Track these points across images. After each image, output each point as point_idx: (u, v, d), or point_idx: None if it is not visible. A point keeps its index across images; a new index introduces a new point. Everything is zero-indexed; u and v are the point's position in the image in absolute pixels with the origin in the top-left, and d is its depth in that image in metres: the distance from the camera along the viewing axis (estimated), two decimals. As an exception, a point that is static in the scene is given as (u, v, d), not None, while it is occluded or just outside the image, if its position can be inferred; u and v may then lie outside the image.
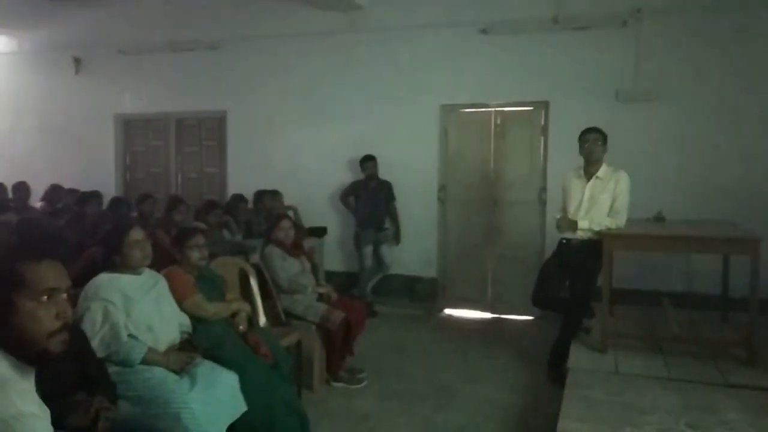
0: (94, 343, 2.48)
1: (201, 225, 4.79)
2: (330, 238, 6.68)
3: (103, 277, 2.66)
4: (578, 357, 3.85)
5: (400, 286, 6.46)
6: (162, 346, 2.71)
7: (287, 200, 6.53)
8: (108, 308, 2.55)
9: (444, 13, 6.17)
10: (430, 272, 6.44)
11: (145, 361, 2.60)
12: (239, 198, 6.04)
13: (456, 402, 3.95)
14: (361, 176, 6.32)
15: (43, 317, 1.29)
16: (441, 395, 4.06)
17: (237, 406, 2.71)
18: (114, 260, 2.73)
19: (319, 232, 6.51)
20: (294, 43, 6.76)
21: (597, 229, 3.98)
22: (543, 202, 6.00)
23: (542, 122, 6.04)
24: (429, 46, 6.29)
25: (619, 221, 3.99)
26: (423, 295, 6.40)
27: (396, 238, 6.35)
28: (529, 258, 5.93)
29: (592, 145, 4.07)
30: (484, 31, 6.05)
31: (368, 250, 6.26)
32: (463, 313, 6.25)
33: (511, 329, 5.78)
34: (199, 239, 3.28)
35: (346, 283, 6.37)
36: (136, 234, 2.75)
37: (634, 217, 4.23)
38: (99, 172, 7.55)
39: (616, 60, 5.70)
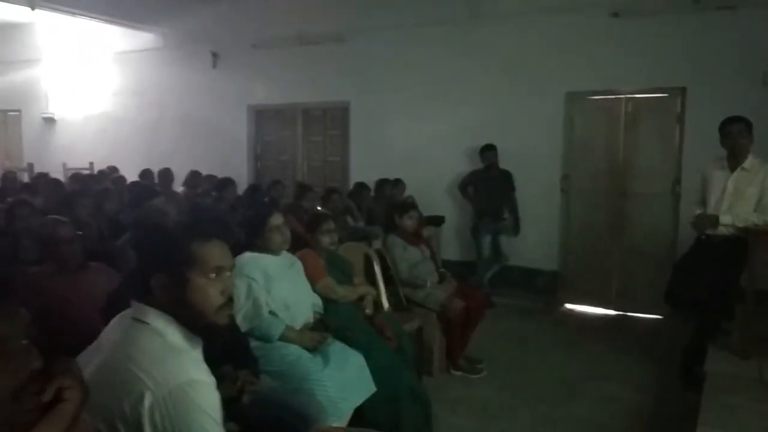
0: (238, 318, 2.67)
1: (325, 211, 4.99)
2: (447, 227, 6.71)
3: (247, 256, 2.85)
4: (717, 361, 3.60)
5: (518, 277, 6.35)
6: (297, 325, 2.87)
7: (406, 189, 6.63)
8: (251, 285, 2.74)
9: (572, -3, 5.96)
10: (551, 265, 6.28)
11: (282, 338, 2.77)
12: (362, 186, 6.22)
13: (578, 398, 3.85)
14: (480, 165, 6.28)
15: (211, 293, 1.42)
16: (562, 390, 3.97)
17: (366, 387, 2.82)
18: (255, 243, 2.92)
19: (437, 221, 6.54)
20: (415, 32, 6.81)
21: (741, 225, 3.68)
22: (677, 195, 5.65)
23: (678, 110, 5.67)
24: (554, 31, 6.09)
25: (767, 217, 3.67)
26: (542, 287, 6.25)
27: (515, 229, 6.24)
28: (660, 254, 5.64)
29: (737, 137, 3.75)
30: (615, 14, 5.76)
31: (486, 240, 6.22)
32: (584, 308, 6.04)
33: (637, 327, 5.51)
34: (330, 224, 3.43)
35: (462, 272, 6.35)
36: (277, 219, 2.93)
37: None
38: (233, 160, 8.07)
39: (765, 41, 5.22)
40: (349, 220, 5.67)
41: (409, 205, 4.52)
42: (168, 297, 1.39)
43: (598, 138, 6.04)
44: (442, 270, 4.53)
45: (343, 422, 2.70)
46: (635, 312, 5.79)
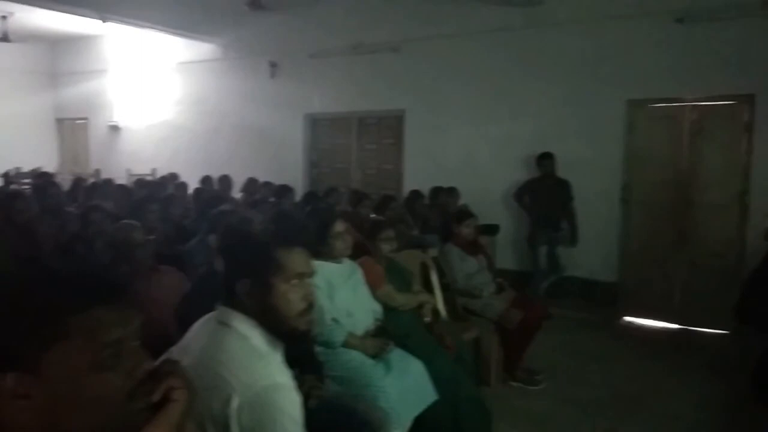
0: (302, 324, 2.72)
1: (382, 218, 5.01)
2: (502, 237, 6.63)
3: (310, 264, 2.89)
4: (791, 379, 3.44)
5: (575, 289, 6.21)
6: (359, 332, 2.90)
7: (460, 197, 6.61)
8: (315, 293, 2.77)
9: (634, 3, 5.83)
10: (610, 276, 6.13)
11: (344, 345, 2.80)
12: (417, 194, 6.23)
13: (642, 415, 3.74)
14: (536, 174, 6.20)
15: (293, 299, 1.47)
16: (625, 406, 3.87)
17: (427, 396, 2.82)
18: (318, 250, 2.96)
19: (492, 230, 6.47)
20: (471, 41, 6.81)
21: (819, 237, 3.52)
22: (744, 206, 5.44)
23: (746, 118, 5.46)
24: (616, 37, 5.98)
25: None
26: (600, 299, 6.10)
27: (572, 239, 6.12)
28: (726, 266, 5.45)
29: None
30: (679, 20, 5.60)
31: (542, 250, 6.14)
32: (645, 321, 5.86)
33: (701, 342, 5.33)
34: (391, 232, 3.46)
35: (518, 282, 6.27)
36: (339, 226, 2.97)
37: None
38: (289, 167, 8.21)
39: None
40: (403, 228, 5.67)
41: (468, 213, 4.50)
42: (252, 302, 1.44)
43: (660, 147, 5.88)
44: (499, 280, 4.49)
45: (404, 430, 2.70)
46: (699, 326, 5.59)
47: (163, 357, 1.53)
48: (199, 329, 1.52)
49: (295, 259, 1.48)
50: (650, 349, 5.08)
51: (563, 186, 6.06)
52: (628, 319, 5.93)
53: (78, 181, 7.12)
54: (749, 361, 3.98)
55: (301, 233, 1.56)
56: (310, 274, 1.53)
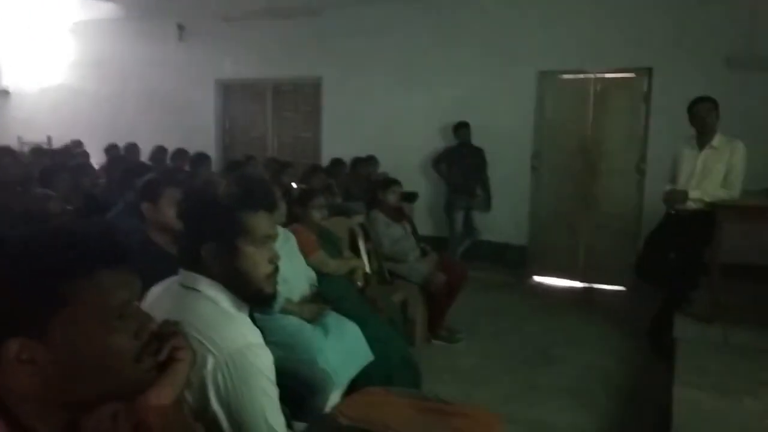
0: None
1: (307, 187, 4.99)
2: (420, 204, 6.79)
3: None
4: (684, 327, 3.83)
5: (489, 252, 6.51)
6: (295, 298, 2.93)
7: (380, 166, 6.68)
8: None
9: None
10: (520, 239, 6.47)
11: (282, 311, 2.82)
12: (338, 162, 6.23)
13: (557, 366, 4.04)
14: (453, 142, 6.38)
15: (260, 261, 1.46)
16: (540, 359, 4.15)
17: (364, 356, 2.90)
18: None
19: (410, 197, 6.59)
20: (389, 7, 6.80)
21: (709, 200, 3.89)
22: (642, 172, 5.88)
23: (644, 90, 5.87)
24: (529, 9, 6.19)
25: (733, 192, 3.88)
26: (512, 261, 6.44)
27: (487, 204, 6.39)
28: (625, 228, 5.89)
29: (705, 115, 3.95)
30: (587, -4, 5.91)
31: (459, 216, 6.36)
32: (552, 280, 6.26)
33: (602, 298, 5.78)
34: (321, 200, 3.49)
35: (435, 247, 6.46)
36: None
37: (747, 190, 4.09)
38: (199, 135, 7.88)
39: (728, 25, 5.44)
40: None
41: (393, 181, 4.59)
42: (218, 265, 1.43)
43: (568, 116, 6.22)
44: (422, 245, 4.64)
45: (341, 391, 2.78)
46: (600, 284, 6.04)
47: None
48: (160, 294, 1.49)
49: (261, 221, 1.47)
50: (559, 306, 5.46)
51: (478, 154, 6.29)
52: (537, 279, 6.31)
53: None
54: (643, 313, 4.41)
55: (267, 196, 1.55)
56: (275, 236, 1.54)
